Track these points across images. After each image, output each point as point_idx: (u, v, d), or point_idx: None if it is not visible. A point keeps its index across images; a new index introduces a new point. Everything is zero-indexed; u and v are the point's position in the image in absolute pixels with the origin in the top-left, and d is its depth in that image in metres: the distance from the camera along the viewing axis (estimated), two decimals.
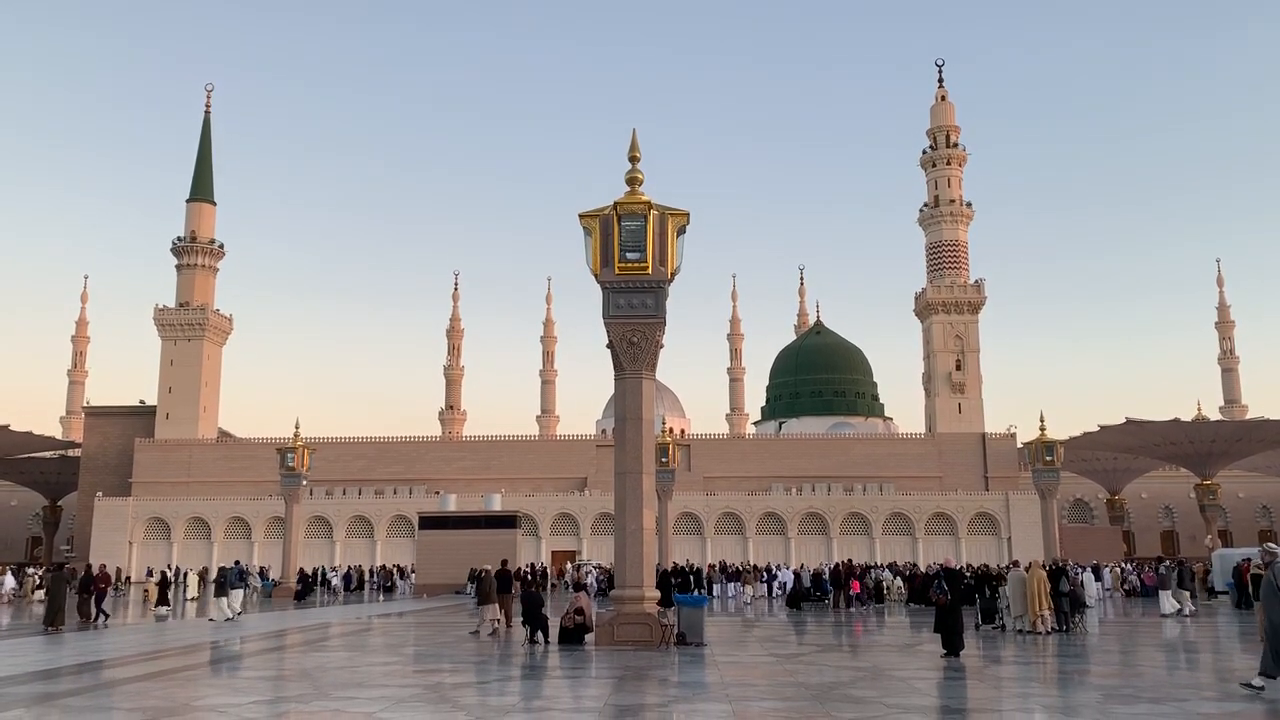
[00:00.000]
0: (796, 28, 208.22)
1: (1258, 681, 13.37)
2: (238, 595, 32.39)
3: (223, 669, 18.14)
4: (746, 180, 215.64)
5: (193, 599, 46.04)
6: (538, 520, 77.71)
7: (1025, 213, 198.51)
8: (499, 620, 24.00)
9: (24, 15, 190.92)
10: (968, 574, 32.01)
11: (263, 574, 58.99)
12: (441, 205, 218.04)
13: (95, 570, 30.40)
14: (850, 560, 53.21)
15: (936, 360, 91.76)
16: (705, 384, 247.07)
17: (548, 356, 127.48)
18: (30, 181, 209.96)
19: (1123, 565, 55.92)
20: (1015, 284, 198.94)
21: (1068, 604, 25.51)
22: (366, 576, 62.21)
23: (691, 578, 43.19)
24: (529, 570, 51.19)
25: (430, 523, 54.09)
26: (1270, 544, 15.05)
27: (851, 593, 39.31)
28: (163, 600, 36.23)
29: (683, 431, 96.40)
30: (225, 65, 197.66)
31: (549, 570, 61.39)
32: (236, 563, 40.73)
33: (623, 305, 21.36)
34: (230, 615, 30.44)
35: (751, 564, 59.19)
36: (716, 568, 53.81)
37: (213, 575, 40.64)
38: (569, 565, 62.22)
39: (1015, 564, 28.94)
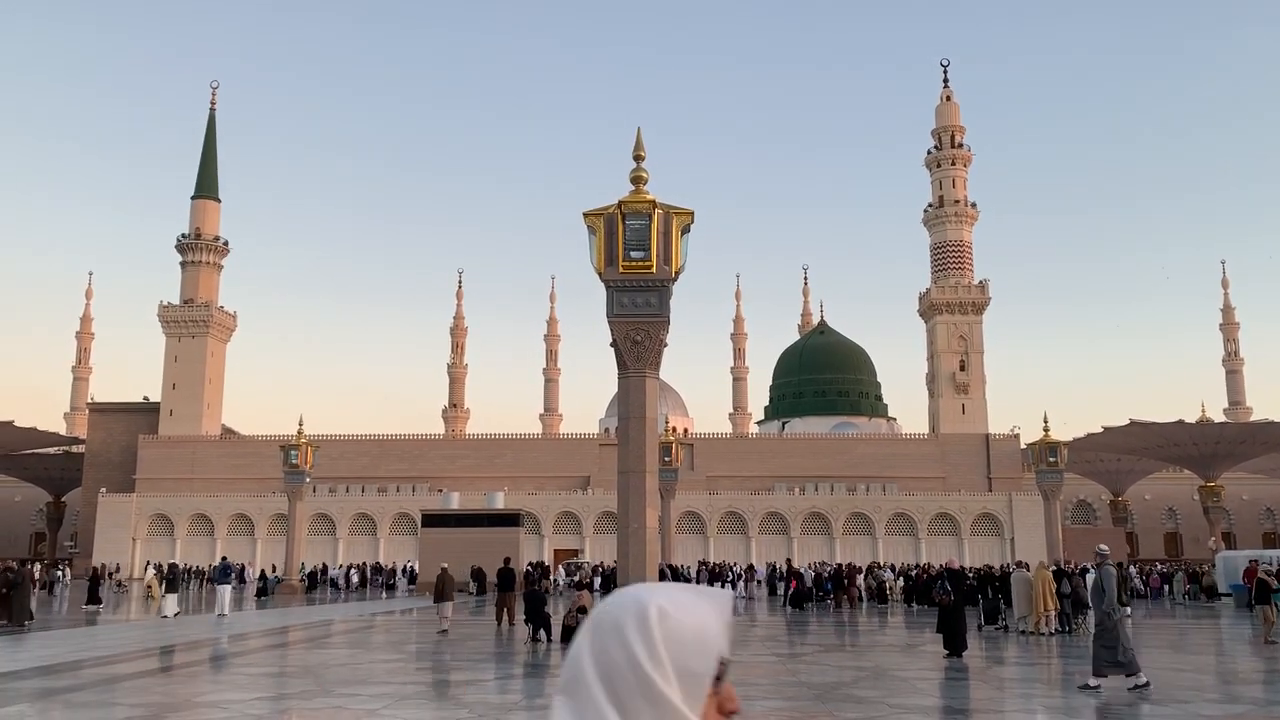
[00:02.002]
0: (801, 27, 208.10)
1: (1093, 682, 13.75)
2: (225, 592, 31.72)
3: (221, 666, 18.16)
4: (751, 180, 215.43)
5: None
6: (540, 519, 77.71)
7: (1030, 213, 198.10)
8: (449, 619, 24.61)
9: (29, 12, 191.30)
10: (970, 574, 32.00)
11: (241, 572, 57.01)
12: (446, 203, 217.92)
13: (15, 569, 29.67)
14: (789, 560, 53.70)
15: (940, 361, 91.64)
16: (709, 383, 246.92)
17: (551, 355, 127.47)
18: (35, 178, 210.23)
19: (1133, 566, 55.94)
20: (1019, 285, 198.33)
21: (1070, 605, 25.49)
22: (368, 574, 62.17)
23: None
24: (536, 567, 51.15)
25: (433, 521, 54.09)
26: (1102, 545, 15.54)
27: (789, 590, 39.65)
28: (93, 599, 35.08)
29: (686, 431, 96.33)
30: (231, 63, 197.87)
31: (551, 568, 61.32)
32: (223, 559, 40.18)
33: (626, 304, 21.34)
34: (174, 613, 29.99)
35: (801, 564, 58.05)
36: (697, 567, 52.95)
37: (208, 571, 40.25)
38: (568, 565, 61.97)
39: (1020, 564, 28.93)
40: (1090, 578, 17.72)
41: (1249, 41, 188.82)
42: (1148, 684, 13.57)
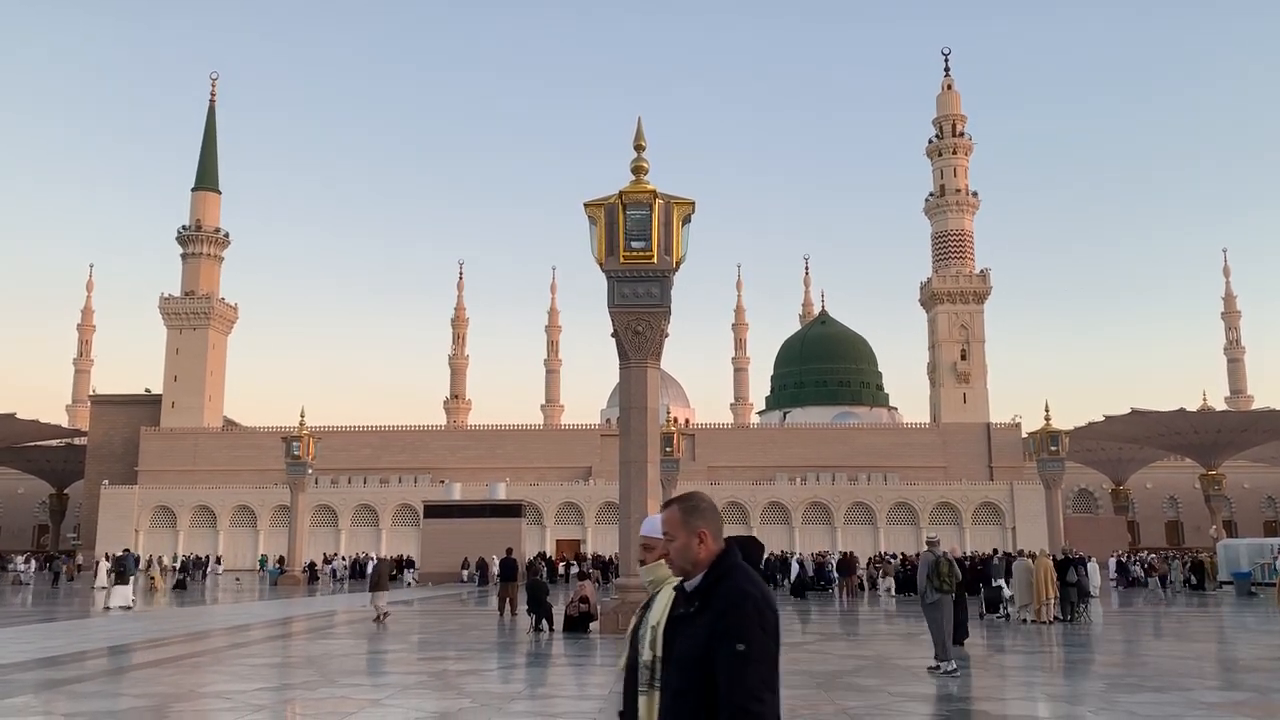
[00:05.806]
0: (803, 16, 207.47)
1: (945, 665, 14.33)
2: (127, 587, 31.51)
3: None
4: (752, 169, 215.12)
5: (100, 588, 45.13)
6: (542, 509, 77.79)
7: (1031, 202, 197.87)
8: (387, 612, 24.61)
9: (29, 3, 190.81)
10: (966, 562, 32.04)
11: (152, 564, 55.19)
12: (447, 194, 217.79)
13: None
14: (772, 550, 53.57)
15: (941, 350, 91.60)
16: (710, 373, 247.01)
17: (552, 346, 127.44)
18: (35, 170, 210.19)
19: (1135, 555, 56.15)
20: (1021, 274, 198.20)
21: (1075, 594, 25.60)
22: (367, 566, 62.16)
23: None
24: (539, 560, 51.01)
25: (435, 511, 54.13)
26: (931, 535, 16.32)
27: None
28: None
29: (687, 421, 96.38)
30: (230, 54, 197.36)
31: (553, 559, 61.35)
32: (125, 550, 40.20)
33: (627, 294, 21.35)
34: (122, 605, 29.84)
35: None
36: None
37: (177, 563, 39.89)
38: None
39: (1021, 553, 29.00)
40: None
41: (1251, 29, 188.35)
42: (937, 668, 14.28)
